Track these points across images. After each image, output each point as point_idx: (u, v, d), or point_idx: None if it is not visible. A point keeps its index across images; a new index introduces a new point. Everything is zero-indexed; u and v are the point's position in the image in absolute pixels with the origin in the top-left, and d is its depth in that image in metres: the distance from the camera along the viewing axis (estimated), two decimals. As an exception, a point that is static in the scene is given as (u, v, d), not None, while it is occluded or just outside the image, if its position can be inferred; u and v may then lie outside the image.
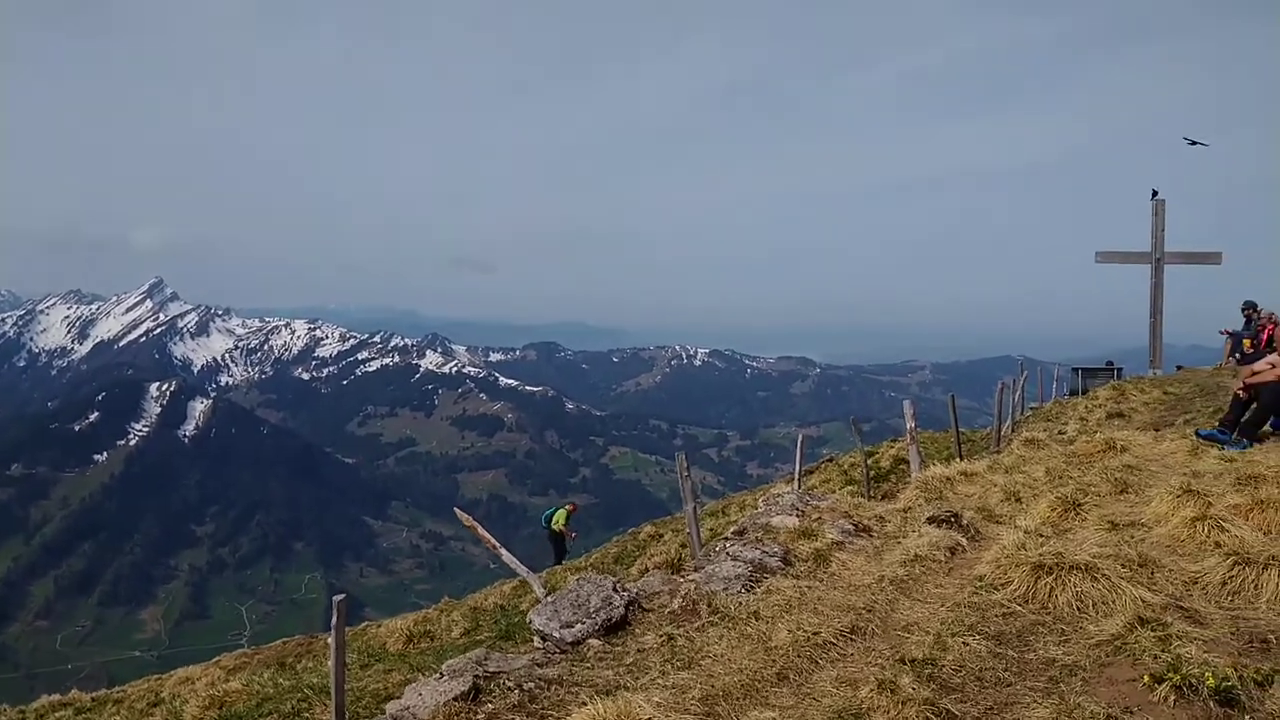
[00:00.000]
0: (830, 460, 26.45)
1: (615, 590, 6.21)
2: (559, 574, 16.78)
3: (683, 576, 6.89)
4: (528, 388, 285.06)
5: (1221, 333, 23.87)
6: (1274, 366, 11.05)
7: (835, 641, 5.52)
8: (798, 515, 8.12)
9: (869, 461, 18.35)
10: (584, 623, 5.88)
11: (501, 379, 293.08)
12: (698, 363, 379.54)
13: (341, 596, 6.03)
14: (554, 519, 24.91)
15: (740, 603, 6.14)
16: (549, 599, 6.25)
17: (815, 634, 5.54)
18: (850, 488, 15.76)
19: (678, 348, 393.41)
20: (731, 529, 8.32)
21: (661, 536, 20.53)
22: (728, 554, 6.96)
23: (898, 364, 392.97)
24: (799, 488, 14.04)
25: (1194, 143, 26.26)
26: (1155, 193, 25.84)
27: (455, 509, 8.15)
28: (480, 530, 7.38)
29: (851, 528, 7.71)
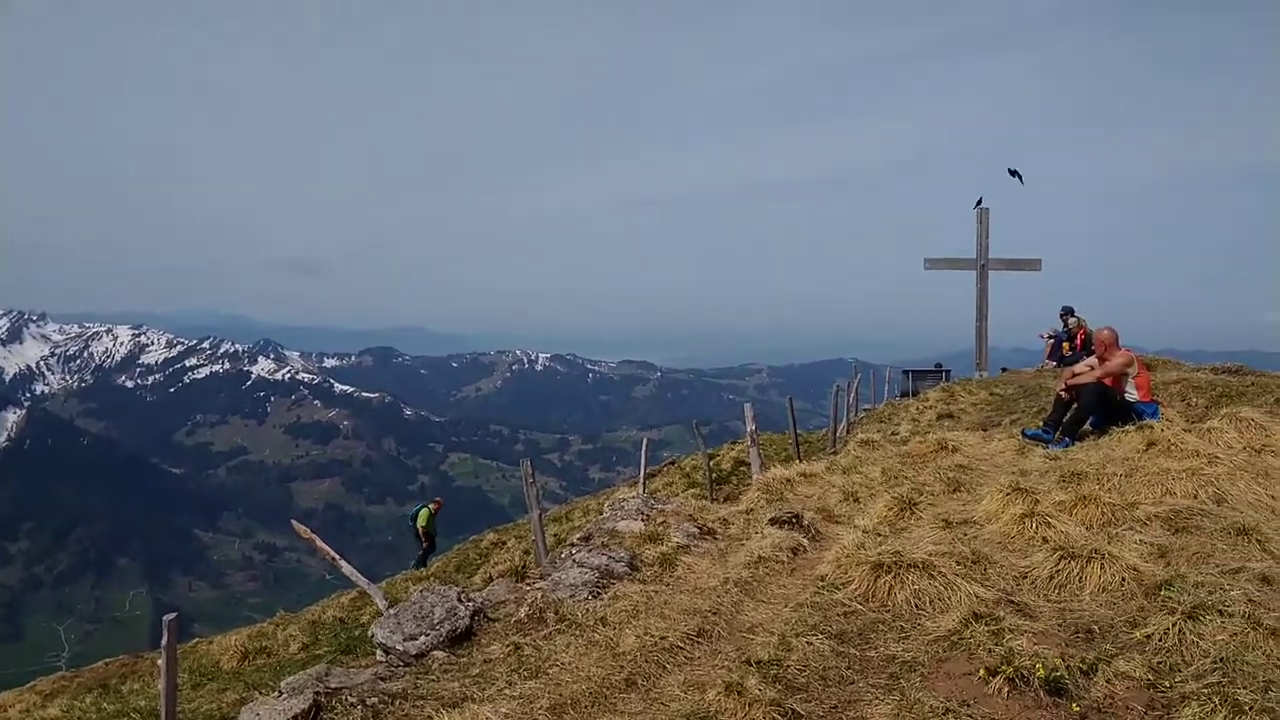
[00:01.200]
0: (673, 463, 26.69)
1: (460, 600, 6.10)
2: (400, 584, 16.49)
3: (529, 584, 6.82)
4: (364, 394, 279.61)
5: (1041, 336, 24.96)
6: (1093, 369, 11.58)
7: (682, 645, 5.53)
8: (643, 520, 8.13)
9: (712, 464, 18.56)
10: (428, 634, 5.76)
11: (337, 385, 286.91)
12: (539, 367, 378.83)
13: (173, 616, 5.77)
14: (418, 517, 24.80)
15: (588, 609, 6.11)
16: (391, 611, 6.11)
17: (663, 638, 5.54)
18: (693, 490, 15.90)
19: (519, 352, 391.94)
20: (577, 535, 8.30)
21: (505, 544, 20.38)
22: (574, 560, 6.92)
23: (736, 367, 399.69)
24: (643, 492, 14.10)
25: (1014, 173, 27.37)
26: (979, 201, 26.87)
27: (291, 520, 7.90)
28: (318, 542, 7.17)
29: (696, 531, 7.76)
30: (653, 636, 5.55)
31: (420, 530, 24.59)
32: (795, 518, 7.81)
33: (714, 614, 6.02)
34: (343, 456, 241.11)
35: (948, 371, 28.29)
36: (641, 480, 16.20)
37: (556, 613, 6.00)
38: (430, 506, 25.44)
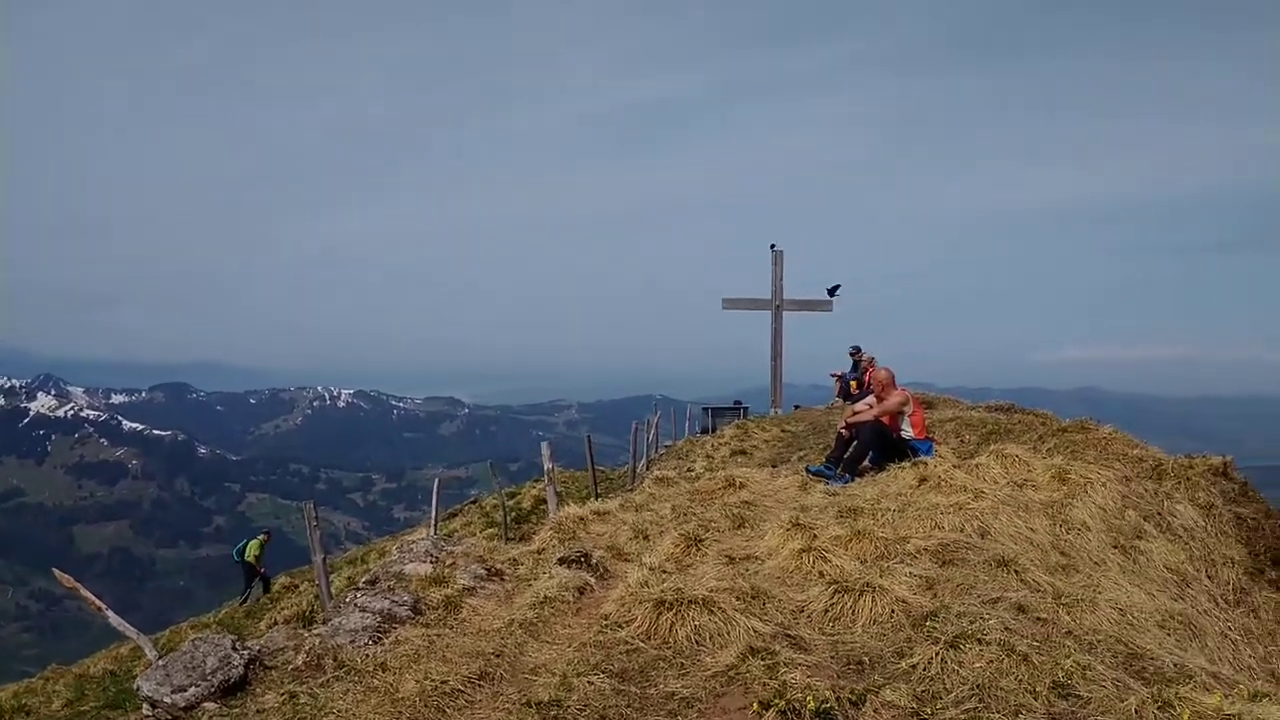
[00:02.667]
0: (474, 502, 26.46)
1: (234, 649, 5.89)
2: (183, 632, 15.80)
3: (309, 630, 6.65)
4: (155, 431, 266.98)
5: (832, 374, 25.94)
6: (872, 407, 12.09)
7: (464, 689, 5.48)
8: (431, 562, 8.03)
9: (512, 503, 18.47)
10: (198, 685, 5.54)
11: (125, 422, 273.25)
12: (341, 404, 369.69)
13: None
14: (247, 550, 24.11)
15: (368, 655, 5.99)
16: (160, 662, 5.84)
17: (444, 682, 5.48)
18: (491, 530, 15.81)
19: (320, 389, 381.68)
20: (364, 578, 8.13)
21: (298, 587, 19.80)
22: (356, 605, 6.77)
23: (545, 404, 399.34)
24: (435, 533, 13.92)
25: (833, 291, 28.42)
26: (774, 245, 27.82)
27: (54, 569, 7.47)
28: (82, 590, 6.80)
29: (484, 572, 7.71)
30: (433, 681, 5.48)
31: (255, 560, 24.03)
32: (584, 557, 7.85)
33: (497, 656, 5.99)
34: (131, 498, 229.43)
35: (745, 408, 29.01)
36: (433, 521, 15.99)
37: (335, 659, 5.86)
38: (260, 538, 24.91)
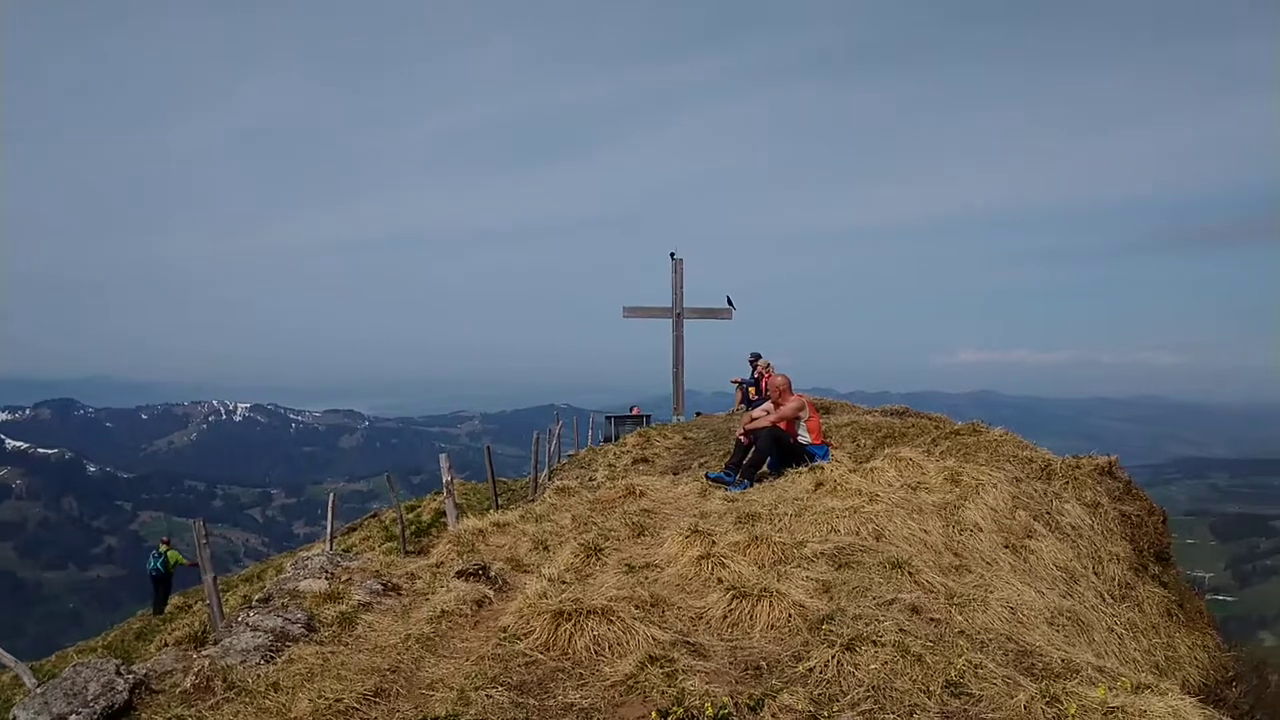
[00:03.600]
0: (374, 516, 26.10)
1: (118, 673, 5.70)
2: (69, 657, 15.29)
3: (199, 652, 6.47)
4: (40, 450, 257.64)
5: (732, 381, 26.16)
6: (769, 414, 12.23)
7: (359, 706, 5.37)
8: (327, 578, 7.88)
9: (412, 515, 18.25)
10: (79, 713, 5.34)
11: (8, 441, 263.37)
12: (238, 418, 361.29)
13: None
14: (169, 560, 23.24)
15: (259, 675, 5.84)
16: (39, 690, 5.64)
17: (338, 700, 5.37)
18: (390, 544, 15.60)
19: (215, 403, 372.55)
20: (258, 596, 7.94)
21: (191, 607, 19.31)
22: (248, 624, 6.60)
23: (448, 414, 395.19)
24: (331, 548, 13.69)
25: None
26: (674, 253, 28.00)
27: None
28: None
29: (380, 587, 7.59)
30: (327, 699, 5.37)
31: (171, 572, 23.24)
32: (482, 569, 7.77)
33: (393, 672, 5.89)
34: (15, 519, 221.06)
35: (648, 416, 29.11)
36: (329, 536, 15.71)
37: (225, 680, 5.70)
38: (163, 547, 24.13)
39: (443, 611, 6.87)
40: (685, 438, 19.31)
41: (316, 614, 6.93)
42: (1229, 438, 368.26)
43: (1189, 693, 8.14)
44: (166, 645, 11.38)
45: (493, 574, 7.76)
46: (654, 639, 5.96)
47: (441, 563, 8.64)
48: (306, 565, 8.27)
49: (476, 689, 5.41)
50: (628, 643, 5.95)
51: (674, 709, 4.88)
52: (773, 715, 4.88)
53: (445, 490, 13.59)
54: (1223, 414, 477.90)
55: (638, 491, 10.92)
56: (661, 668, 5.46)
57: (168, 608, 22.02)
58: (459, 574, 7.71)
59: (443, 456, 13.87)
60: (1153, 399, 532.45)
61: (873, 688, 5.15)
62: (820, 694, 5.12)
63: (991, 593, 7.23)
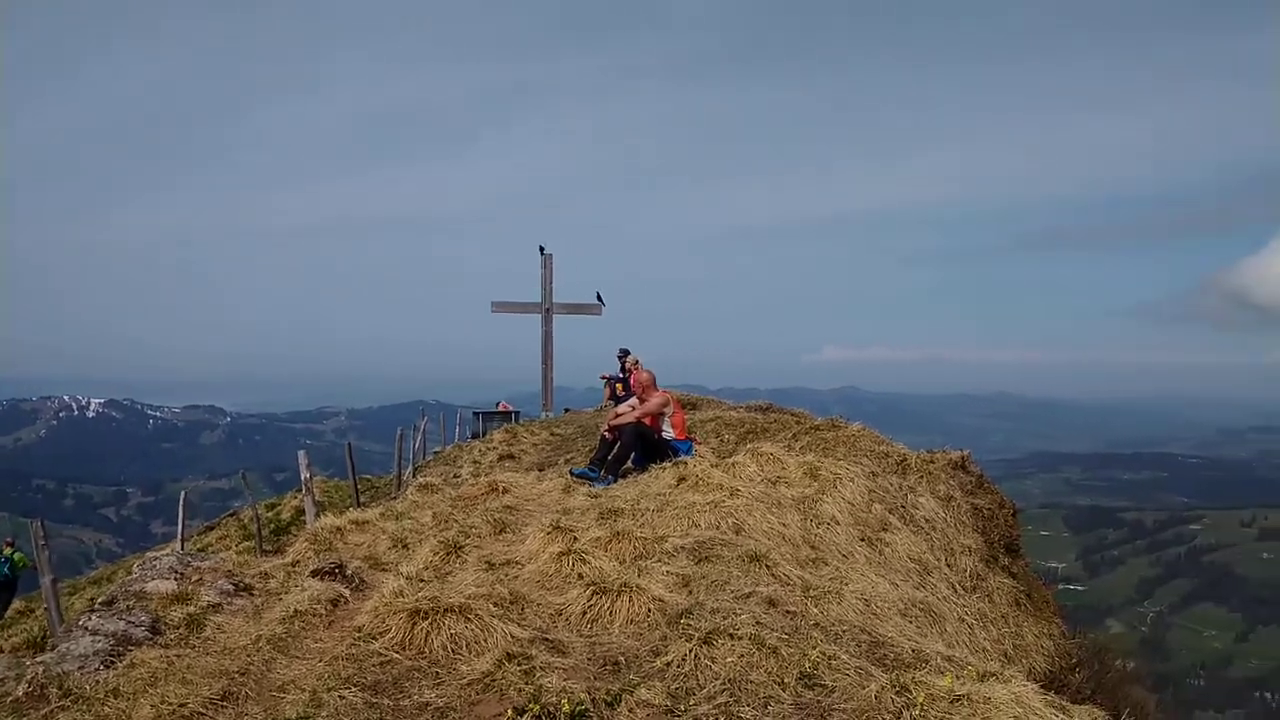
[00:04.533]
0: (233, 515, 25.42)
1: (-55, 683, 5.44)
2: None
3: (34, 659, 6.19)
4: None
5: (602, 377, 26.21)
6: (634, 409, 12.28)
7: (204, 711, 5.21)
8: (176, 578, 7.61)
9: (272, 514, 17.83)
10: (-100, 726, 5.09)
11: None
12: (91, 414, 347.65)
13: None
14: (16, 562, 21.99)
15: (98, 681, 5.61)
16: None
17: (182, 705, 5.19)
18: (248, 543, 15.20)
19: (66, 398, 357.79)
20: (101, 599, 7.64)
21: (34, 612, 18.52)
22: (87, 628, 6.34)
23: (313, 410, 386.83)
24: (183, 548, 13.28)
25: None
26: (543, 248, 27.89)
27: None
28: None
29: (232, 588, 7.37)
30: (170, 705, 5.19)
31: (17, 576, 22.06)
32: (339, 568, 7.61)
33: (242, 675, 5.73)
34: None
35: (517, 413, 28.96)
36: (180, 536, 15.23)
37: (61, 687, 5.47)
38: (19, 554, 22.93)
39: (296, 611, 6.71)
40: (552, 434, 19.28)
41: (162, 616, 6.69)
42: (1081, 433, 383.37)
43: (1035, 679, 8.42)
44: (2, 652, 10.87)
45: (349, 573, 7.61)
46: (513, 636, 5.92)
47: (297, 561, 8.45)
48: (155, 566, 7.98)
49: (329, 690, 5.30)
50: (486, 641, 5.90)
51: (531, 706, 4.85)
52: (630, 710, 4.89)
53: (303, 488, 13.30)
54: (1075, 410, 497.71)
55: (500, 488, 10.84)
56: (519, 665, 5.43)
57: (9, 613, 21.11)
58: (314, 573, 7.54)
59: (301, 454, 13.59)
60: (1009, 396, 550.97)
61: (729, 680, 5.20)
62: (678, 688, 5.15)
63: (847, 585, 7.37)
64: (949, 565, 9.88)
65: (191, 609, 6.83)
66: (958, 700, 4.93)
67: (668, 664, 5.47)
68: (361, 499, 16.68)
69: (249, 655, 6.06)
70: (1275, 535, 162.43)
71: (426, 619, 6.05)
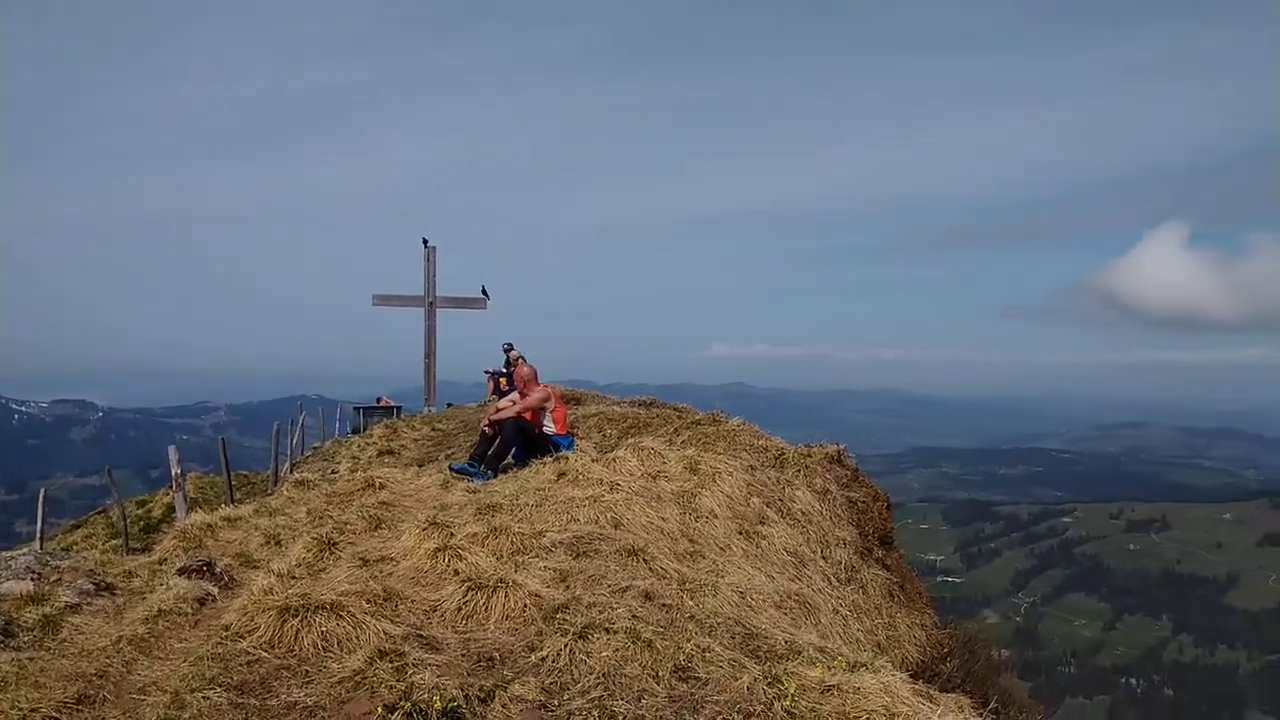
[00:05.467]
0: (102, 513, 24.63)
1: None
2: None
3: None
4: None
5: (485, 372, 26.02)
6: (515, 404, 12.22)
7: (58, 715, 5.02)
8: (33, 578, 7.34)
9: (142, 511, 17.33)
10: None
11: None
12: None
13: None
14: None
15: (-58, 688, 5.39)
16: None
17: (34, 710, 5.00)
18: (115, 541, 14.76)
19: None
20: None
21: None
22: (-67, 633, 6.08)
23: (191, 405, 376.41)
24: (42, 547, 12.83)
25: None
26: (426, 241, 27.58)
27: None
28: None
29: (93, 587, 7.13)
30: (22, 710, 4.99)
31: None
32: (207, 566, 7.42)
33: (100, 677, 5.54)
34: None
35: (399, 407, 28.60)
36: (39, 534, 14.69)
37: (-96, 695, 5.24)
38: None
39: (160, 611, 6.52)
40: (434, 429, 19.10)
41: (16, 618, 6.43)
42: (959, 428, 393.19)
43: (907, 669, 8.62)
44: None
45: (218, 570, 7.43)
46: (385, 633, 5.83)
47: (164, 559, 8.22)
48: (10, 566, 7.69)
49: (192, 691, 5.15)
50: (358, 638, 5.80)
51: (402, 703, 4.79)
52: (503, 706, 4.86)
53: (174, 484, 12.95)
54: (953, 406, 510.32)
55: (377, 484, 10.69)
56: (391, 662, 5.35)
57: None
58: (181, 571, 7.33)
59: (171, 449, 13.25)
60: (890, 392, 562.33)
61: (604, 675, 5.21)
62: (552, 683, 5.14)
63: (723, 578, 7.44)
64: (824, 558, 10.04)
65: (48, 610, 6.59)
66: (828, 690, 5.02)
67: (543, 659, 5.46)
68: (237, 495, 16.30)
69: (108, 657, 5.87)
70: (1142, 527, 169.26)
71: (297, 616, 5.92)
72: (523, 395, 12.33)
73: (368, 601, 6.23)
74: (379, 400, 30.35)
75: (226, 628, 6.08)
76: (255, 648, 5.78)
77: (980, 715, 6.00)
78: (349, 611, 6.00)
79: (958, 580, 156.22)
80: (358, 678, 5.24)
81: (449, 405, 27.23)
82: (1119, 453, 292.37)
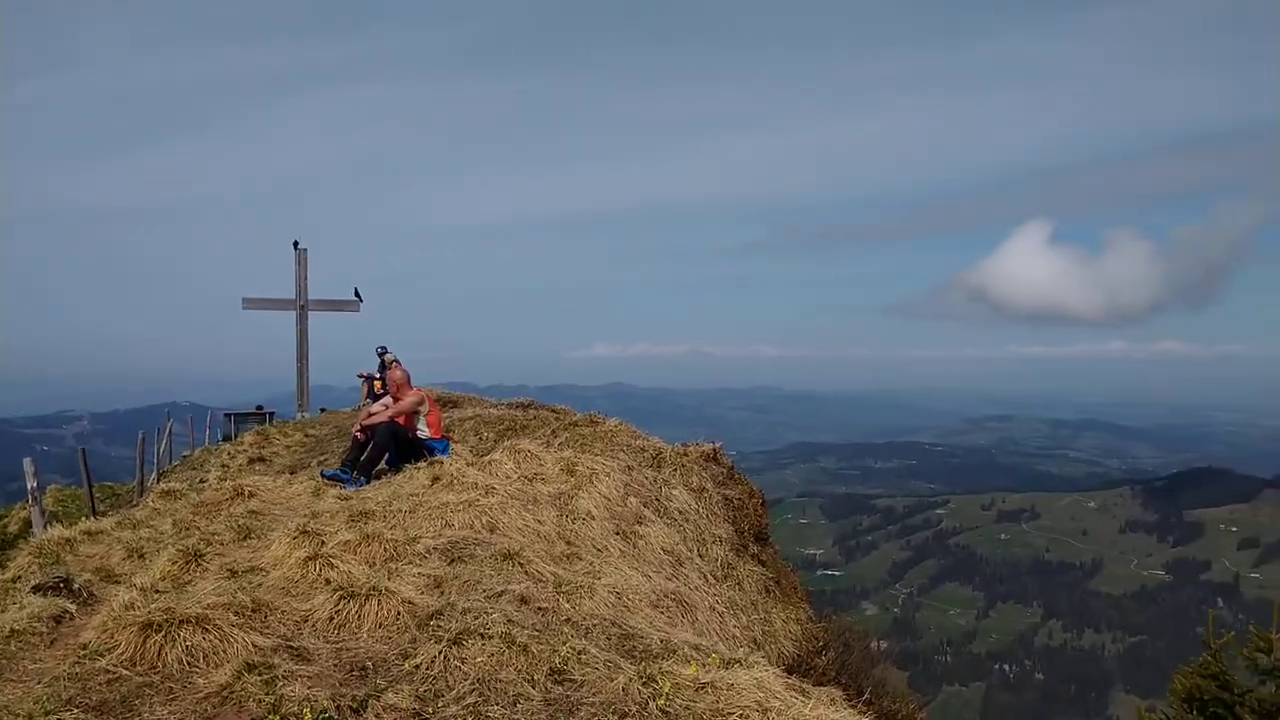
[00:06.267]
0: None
1: None
2: None
3: None
4: None
5: (359, 376, 25.64)
6: (388, 408, 12.07)
7: (-101, 748, 4.81)
8: (-126, 601, 6.99)
9: (-1, 526, 16.66)
10: None
11: None
12: None
13: None
14: None
15: None
16: None
17: None
18: (-33, 559, 14.15)
19: None
20: None
21: None
22: None
23: (51, 414, 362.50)
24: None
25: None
26: (297, 243, 27.05)
27: None
28: None
29: (-60, 608, 6.82)
30: None
31: None
32: (64, 582, 7.13)
33: (-53, 703, 5.31)
34: None
35: (271, 413, 28.01)
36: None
37: None
38: None
39: (13, 631, 6.25)
40: (307, 435, 18.75)
41: None
42: (836, 424, 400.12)
43: (783, 663, 8.74)
44: None
45: (76, 586, 7.15)
46: (254, 646, 5.70)
47: (18, 577, 7.89)
48: None
49: (47, 714, 4.96)
50: (225, 651, 5.66)
51: (270, 717, 4.70)
52: (376, 716, 4.81)
53: (30, 497, 12.48)
54: (830, 402, 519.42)
55: (247, 492, 10.43)
56: (260, 675, 5.23)
57: None
58: (36, 588, 7.04)
59: (27, 461, 12.79)
60: (768, 389, 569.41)
61: (478, 680, 5.19)
62: (426, 690, 5.10)
63: (600, 579, 7.45)
64: (701, 555, 10.13)
65: (-114, 635, 6.28)
66: (702, 688, 5.08)
67: (417, 667, 5.41)
68: (101, 508, 15.78)
69: (-46, 682, 5.62)
70: (1012, 517, 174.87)
71: (160, 632, 5.75)
72: (396, 399, 12.18)
73: (235, 614, 6.08)
74: (258, 407, 29.70)
75: (85, 646, 5.87)
76: (116, 666, 5.59)
77: (854, 706, 6.12)
78: (215, 625, 5.85)
79: (837, 573, 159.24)
80: (225, 692, 5.12)
81: (323, 410, 26.78)
82: (989, 445, 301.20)
